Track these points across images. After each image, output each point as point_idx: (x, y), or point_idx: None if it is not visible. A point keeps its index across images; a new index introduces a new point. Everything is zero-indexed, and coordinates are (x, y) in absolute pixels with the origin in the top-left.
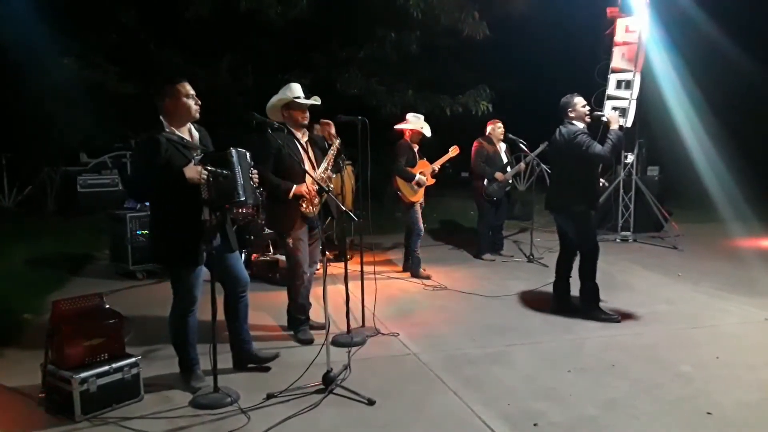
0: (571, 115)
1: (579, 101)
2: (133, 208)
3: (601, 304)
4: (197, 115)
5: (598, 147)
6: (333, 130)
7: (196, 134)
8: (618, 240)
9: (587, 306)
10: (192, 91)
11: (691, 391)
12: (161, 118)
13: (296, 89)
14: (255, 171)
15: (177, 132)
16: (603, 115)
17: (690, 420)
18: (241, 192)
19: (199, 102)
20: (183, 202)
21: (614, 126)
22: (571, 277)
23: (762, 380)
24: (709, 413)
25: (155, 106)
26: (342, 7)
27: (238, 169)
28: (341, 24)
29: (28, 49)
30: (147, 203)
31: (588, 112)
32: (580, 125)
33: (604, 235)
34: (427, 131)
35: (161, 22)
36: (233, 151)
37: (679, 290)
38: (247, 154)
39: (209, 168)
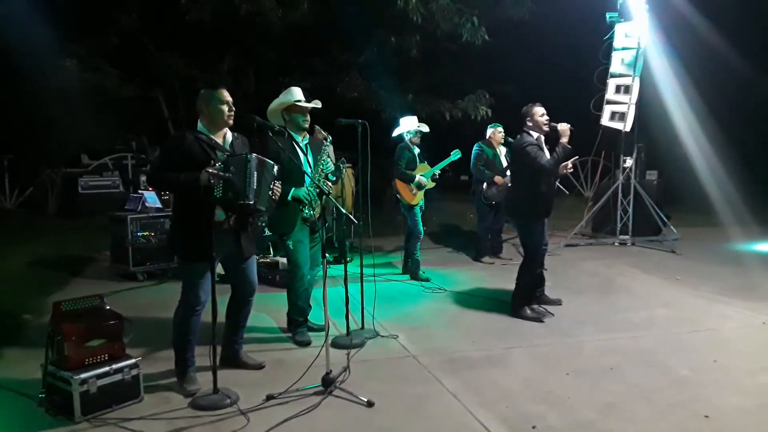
0: (529, 124)
1: (537, 111)
2: (134, 209)
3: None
4: (230, 121)
5: (544, 158)
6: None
7: (229, 139)
8: (617, 244)
9: (514, 303)
10: (228, 99)
11: (689, 395)
12: (198, 120)
13: (297, 93)
14: (278, 184)
15: (210, 135)
16: (557, 127)
17: (688, 424)
18: (250, 196)
19: (234, 109)
20: (198, 198)
21: (564, 140)
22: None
23: (760, 385)
24: (706, 417)
25: (159, 108)
26: (342, 12)
27: (254, 174)
28: (341, 28)
29: (30, 51)
30: (152, 202)
31: (546, 122)
32: (536, 135)
33: (602, 239)
34: (424, 127)
35: (162, 25)
36: (252, 156)
37: (678, 294)
38: (276, 167)
39: (220, 165)
